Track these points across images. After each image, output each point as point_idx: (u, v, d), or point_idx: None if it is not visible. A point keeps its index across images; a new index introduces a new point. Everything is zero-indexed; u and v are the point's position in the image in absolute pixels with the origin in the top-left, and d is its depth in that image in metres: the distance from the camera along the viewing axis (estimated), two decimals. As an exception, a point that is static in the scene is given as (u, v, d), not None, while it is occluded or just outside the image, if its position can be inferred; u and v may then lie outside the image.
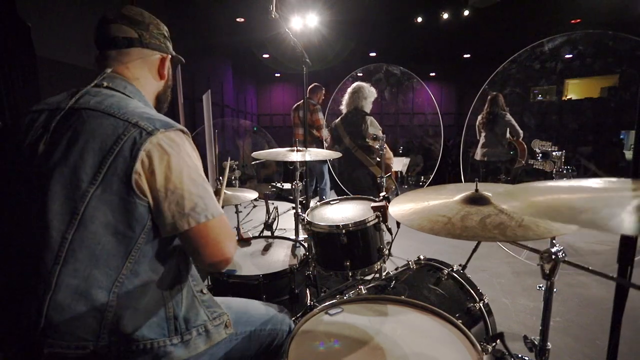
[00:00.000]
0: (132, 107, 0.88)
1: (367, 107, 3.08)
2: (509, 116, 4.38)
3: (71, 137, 0.83)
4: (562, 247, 0.95)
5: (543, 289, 1.03)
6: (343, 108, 3.18)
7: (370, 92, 3.09)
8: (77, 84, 0.93)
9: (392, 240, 1.75)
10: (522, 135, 4.40)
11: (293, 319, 1.52)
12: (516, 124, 4.37)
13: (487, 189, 1.07)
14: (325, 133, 4.09)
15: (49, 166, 0.81)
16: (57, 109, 0.88)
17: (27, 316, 0.79)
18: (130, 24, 0.97)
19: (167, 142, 0.84)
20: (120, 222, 0.81)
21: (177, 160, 0.84)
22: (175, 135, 0.86)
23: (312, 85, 4.49)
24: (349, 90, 3.15)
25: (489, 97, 4.43)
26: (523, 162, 4.38)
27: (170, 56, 1.08)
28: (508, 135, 4.44)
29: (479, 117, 4.54)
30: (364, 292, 1.32)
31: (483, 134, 4.53)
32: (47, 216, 0.79)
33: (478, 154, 4.60)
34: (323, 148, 3.70)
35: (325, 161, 4.37)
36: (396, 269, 1.63)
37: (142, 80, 1.01)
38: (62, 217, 0.79)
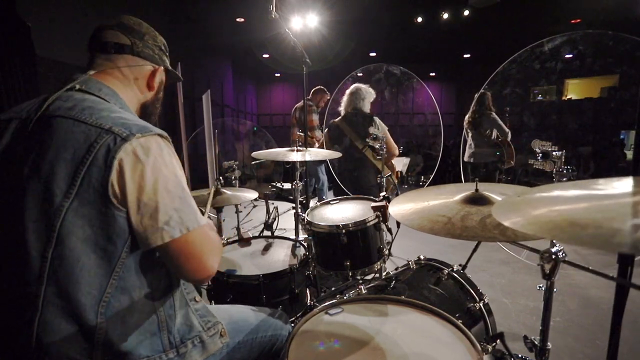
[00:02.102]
0: (106, 111, 0.82)
1: (366, 107, 3.08)
2: (494, 115, 4.26)
3: (41, 148, 0.77)
4: (562, 247, 0.95)
5: (543, 289, 1.03)
6: (342, 109, 3.19)
7: (368, 93, 3.09)
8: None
9: (392, 240, 1.75)
10: (509, 135, 4.26)
11: (293, 318, 1.52)
12: (502, 124, 4.24)
13: (488, 190, 1.07)
14: (318, 134, 4.10)
15: (21, 180, 0.76)
16: (27, 117, 0.82)
17: (20, 336, 0.76)
18: (124, 31, 0.95)
19: (141, 150, 0.78)
20: (100, 236, 0.76)
21: (152, 170, 0.78)
22: (152, 141, 0.80)
23: (317, 87, 4.51)
24: (347, 92, 3.16)
25: (475, 95, 4.32)
26: (512, 162, 4.26)
27: (163, 69, 1.04)
28: (495, 135, 4.31)
29: (466, 117, 4.45)
30: (364, 292, 1.32)
31: (470, 135, 4.44)
32: (25, 234, 0.75)
33: (466, 154, 4.51)
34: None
35: (320, 162, 4.37)
36: (396, 269, 1.63)
37: (126, 85, 0.97)
38: (38, 234, 0.75)
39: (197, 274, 0.85)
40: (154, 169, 0.79)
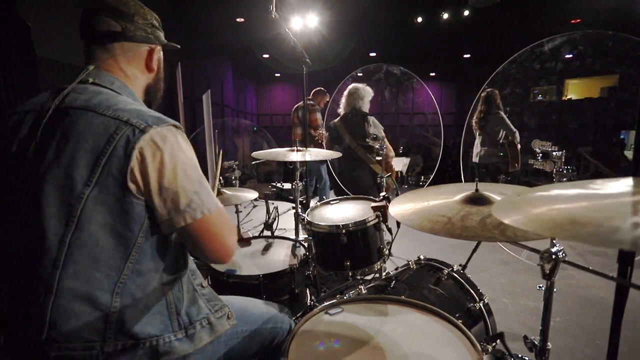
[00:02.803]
0: (122, 104, 0.85)
1: (365, 107, 3.09)
2: (501, 114, 4.17)
3: (61, 138, 0.80)
4: (562, 247, 0.95)
5: (543, 289, 1.03)
6: (341, 110, 3.19)
7: (366, 92, 3.09)
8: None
9: (392, 240, 1.75)
10: (516, 134, 4.17)
11: (293, 318, 1.52)
12: (509, 123, 4.17)
13: (488, 189, 1.07)
14: (324, 132, 4.10)
15: (40, 169, 0.80)
16: (43, 109, 0.85)
17: (32, 321, 0.78)
18: (113, 16, 0.93)
19: (159, 138, 0.82)
20: (118, 222, 0.80)
21: (170, 156, 0.82)
22: (167, 131, 0.84)
23: (317, 89, 4.53)
24: (345, 92, 3.16)
25: (482, 94, 4.25)
26: (517, 166, 4.19)
27: (159, 46, 1.03)
28: (502, 135, 4.23)
29: (474, 117, 4.37)
30: (364, 292, 1.32)
31: (478, 134, 4.37)
32: (43, 220, 0.78)
33: (473, 155, 4.46)
34: (322, 148, 3.70)
35: (323, 161, 4.38)
36: (396, 269, 1.63)
37: (129, 74, 0.98)
38: (58, 220, 0.78)
39: (218, 254, 0.90)
40: (172, 155, 0.82)
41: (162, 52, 1.07)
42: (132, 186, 0.79)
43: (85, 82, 0.89)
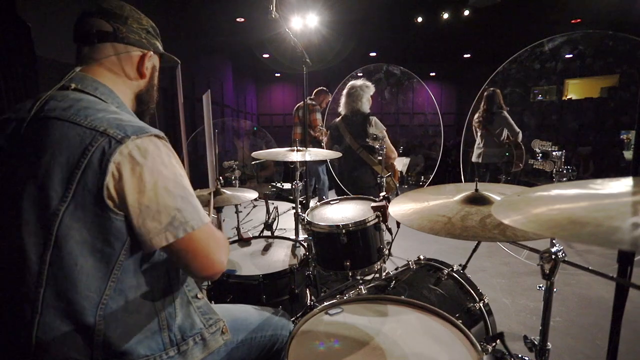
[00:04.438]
0: (102, 112, 0.80)
1: (365, 106, 3.05)
2: (505, 113, 4.16)
3: (37, 150, 0.76)
4: (562, 247, 0.95)
5: (543, 289, 1.03)
6: (341, 109, 3.17)
7: (365, 90, 3.02)
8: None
9: (392, 240, 1.75)
10: (520, 134, 4.17)
11: (293, 319, 1.52)
12: (513, 123, 4.16)
13: (488, 190, 1.07)
14: (324, 130, 4.10)
15: (18, 183, 0.76)
16: (22, 118, 0.81)
17: (19, 339, 0.77)
18: (106, 17, 0.89)
19: (138, 152, 0.76)
20: (97, 239, 0.76)
21: (151, 172, 0.77)
22: (148, 142, 0.78)
23: (319, 88, 4.53)
24: (343, 93, 3.13)
25: (485, 94, 4.24)
26: (521, 165, 4.18)
27: (152, 53, 0.98)
28: (505, 135, 4.22)
29: (475, 116, 4.36)
30: (364, 292, 1.32)
31: (479, 134, 4.35)
32: (22, 238, 0.75)
33: (474, 155, 4.43)
34: (322, 148, 3.70)
35: (321, 162, 4.37)
36: (396, 269, 1.63)
37: (117, 78, 0.93)
38: (37, 238, 0.75)
39: (205, 271, 0.85)
40: (153, 170, 0.77)
41: (158, 62, 1.03)
42: (109, 202, 0.75)
43: (67, 88, 0.85)
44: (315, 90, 4.52)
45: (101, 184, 0.74)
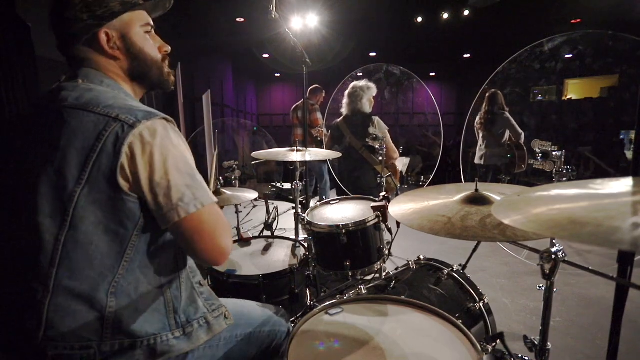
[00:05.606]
0: (112, 100, 0.84)
1: (366, 107, 3.05)
2: (507, 115, 4.15)
3: (53, 137, 0.80)
4: (562, 247, 0.95)
5: (543, 289, 1.03)
6: (343, 110, 3.17)
7: (366, 91, 3.02)
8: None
9: (392, 240, 1.75)
10: (522, 135, 4.17)
11: (293, 319, 1.53)
12: (515, 124, 4.15)
13: (488, 190, 1.07)
14: (324, 130, 4.10)
15: (35, 168, 0.80)
16: (39, 109, 0.88)
17: (29, 319, 0.78)
18: (63, 22, 0.89)
19: (148, 132, 0.81)
20: (111, 220, 0.80)
21: (161, 150, 0.81)
22: (158, 125, 0.83)
23: (313, 86, 4.53)
24: (345, 93, 3.13)
25: (487, 95, 4.22)
26: (523, 167, 4.16)
27: (108, 26, 0.89)
28: (507, 136, 4.22)
29: (477, 117, 4.34)
30: (364, 292, 1.32)
31: (481, 135, 4.33)
32: (38, 219, 0.78)
33: (476, 156, 4.41)
34: (323, 148, 3.70)
35: (324, 161, 4.37)
36: (396, 269, 1.63)
37: (109, 67, 0.92)
38: (53, 219, 0.78)
39: (211, 254, 0.86)
40: (162, 148, 0.81)
41: (130, 29, 0.92)
42: (122, 183, 0.79)
43: (75, 79, 0.88)
44: (309, 89, 4.51)
45: (115, 167, 0.78)
